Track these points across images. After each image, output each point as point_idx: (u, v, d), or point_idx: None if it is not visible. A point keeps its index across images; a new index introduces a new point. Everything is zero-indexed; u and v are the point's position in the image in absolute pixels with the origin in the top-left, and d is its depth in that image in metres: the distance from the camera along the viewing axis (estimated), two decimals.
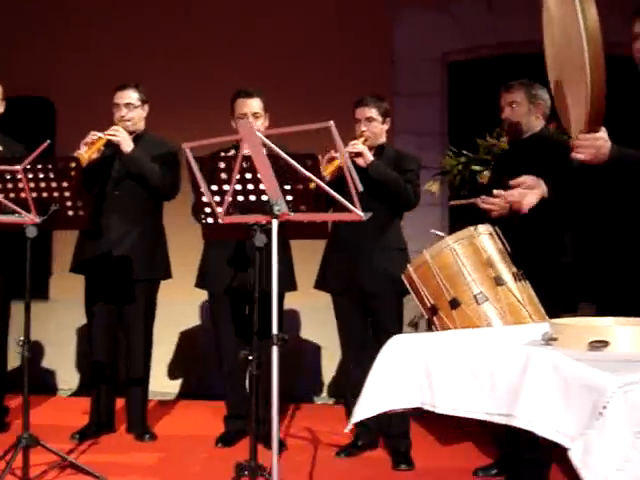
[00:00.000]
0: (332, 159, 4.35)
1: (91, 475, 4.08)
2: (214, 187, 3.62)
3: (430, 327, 5.67)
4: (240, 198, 3.53)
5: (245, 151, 4.41)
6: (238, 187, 3.55)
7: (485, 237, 3.84)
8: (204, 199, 3.70)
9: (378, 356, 2.40)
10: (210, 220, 3.76)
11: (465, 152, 5.43)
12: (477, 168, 5.28)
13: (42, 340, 6.52)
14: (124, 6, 6.77)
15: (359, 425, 4.72)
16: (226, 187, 3.56)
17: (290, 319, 6.06)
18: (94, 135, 4.61)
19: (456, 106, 6.80)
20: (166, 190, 4.88)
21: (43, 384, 6.45)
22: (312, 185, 3.46)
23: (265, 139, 2.82)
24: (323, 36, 6.64)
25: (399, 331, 4.63)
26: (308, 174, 2.90)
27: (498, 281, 3.70)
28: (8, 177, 4.00)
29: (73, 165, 4.02)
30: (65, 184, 4.02)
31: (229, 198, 3.26)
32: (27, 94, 6.64)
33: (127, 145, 4.74)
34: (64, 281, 6.41)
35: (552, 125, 4.49)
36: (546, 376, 1.91)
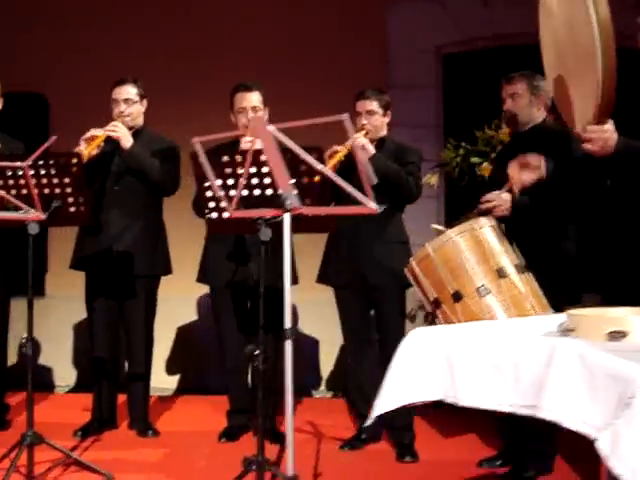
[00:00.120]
0: (334, 153, 4.34)
1: (97, 472, 4.07)
2: (218, 182, 3.63)
3: (427, 319, 5.73)
4: (244, 192, 3.54)
5: (249, 145, 4.45)
6: (243, 182, 3.55)
7: (488, 229, 3.85)
8: (208, 194, 3.70)
9: (398, 349, 2.40)
10: (214, 215, 3.75)
11: (464, 144, 5.43)
12: (476, 160, 5.29)
13: (39, 337, 6.46)
14: (122, 5, 6.74)
15: (362, 418, 4.74)
16: (230, 181, 3.57)
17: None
18: (94, 131, 4.58)
19: (451, 98, 6.80)
20: (166, 185, 4.87)
21: (40, 381, 6.41)
22: (316, 178, 3.46)
23: (277, 133, 2.80)
24: (317, 30, 6.62)
25: (402, 324, 4.65)
26: (321, 167, 2.89)
27: (501, 273, 3.71)
28: (9, 174, 3.98)
29: (74, 161, 4.01)
30: (66, 180, 4.00)
31: (240, 192, 3.24)
32: (22, 90, 6.60)
33: (127, 141, 4.72)
34: (60, 278, 6.40)
35: (550, 117, 4.49)
36: (572, 367, 1.91)
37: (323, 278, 4.73)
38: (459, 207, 6.22)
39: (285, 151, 3.17)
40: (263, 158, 3.42)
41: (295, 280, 4.86)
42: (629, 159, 3.10)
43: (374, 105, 4.60)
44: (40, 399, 5.83)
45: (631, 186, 3.35)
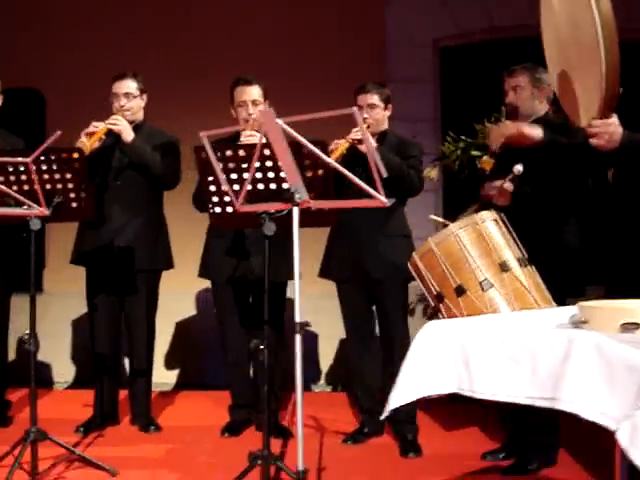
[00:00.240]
0: (336, 147, 4.34)
1: (101, 468, 4.06)
2: (222, 176, 3.62)
3: (426, 313, 5.73)
4: (248, 187, 3.53)
5: (250, 139, 4.45)
6: (246, 176, 3.54)
7: (490, 223, 3.85)
8: (212, 188, 3.69)
9: (413, 342, 2.40)
10: (218, 209, 3.75)
11: (464, 137, 5.43)
12: (476, 153, 5.28)
13: (37, 333, 6.45)
14: (118, 3, 6.71)
15: (365, 412, 4.75)
16: (234, 176, 3.56)
17: (286, 307, 6.05)
18: (95, 125, 4.57)
19: (449, 92, 6.80)
20: (167, 179, 4.86)
21: (39, 377, 6.32)
22: (319, 172, 3.46)
23: (286, 126, 2.79)
24: (315, 25, 6.61)
25: (403, 318, 4.64)
26: (330, 161, 2.89)
27: (504, 267, 3.71)
28: (10, 169, 3.96)
29: (76, 156, 3.99)
30: (68, 175, 3.99)
31: (247, 187, 3.23)
32: (18, 86, 6.57)
33: (128, 134, 4.70)
34: (58, 274, 6.39)
35: (551, 109, 4.49)
36: (590, 359, 1.91)
37: (325, 272, 4.72)
38: (458, 200, 6.23)
39: (289, 145, 3.17)
40: (267, 152, 3.42)
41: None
42: (634, 152, 3.11)
43: (375, 99, 4.59)
44: (40, 395, 5.78)
45: (636, 179, 3.37)
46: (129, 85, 4.82)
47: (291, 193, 3.07)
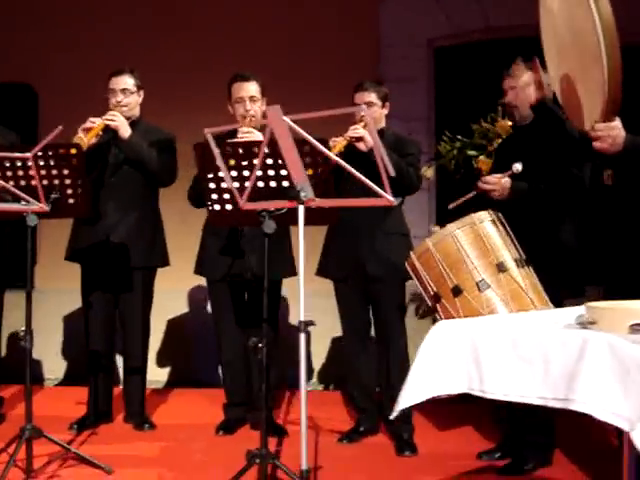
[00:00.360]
0: (333, 146, 4.33)
1: (96, 466, 4.03)
2: (221, 174, 3.60)
3: (417, 312, 5.73)
4: (248, 184, 3.51)
5: (247, 136, 4.43)
6: (246, 173, 3.53)
7: (488, 223, 3.85)
8: (211, 185, 3.67)
9: (423, 342, 2.39)
10: (217, 207, 3.73)
11: (460, 137, 5.43)
12: (472, 153, 5.29)
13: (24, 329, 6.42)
14: (112, 1, 6.68)
15: (361, 411, 4.74)
16: (233, 173, 3.54)
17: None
18: (92, 121, 4.54)
19: (443, 92, 6.80)
20: (163, 176, 4.83)
21: (30, 374, 6.36)
22: (320, 170, 3.44)
23: (292, 124, 2.78)
24: (310, 24, 6.60)
25: (401, 317, 4.64)
26: (338, 160, 2.87)
27: (501, 268, 3.72)
28: (7, 164, 3.93)
29: (74, 152, 3.96)
30: (66, 171, 3.95)
31: (252, 185, 3.22)
32: (11, 81, 6.56)
33: (125, 130, 4.67)
34: (50, 270, 6.36)
35: None
36: (604, 359, 1.91)
37: (322, 271, 4.71)
38: (451, 200, 6.23)
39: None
40: (266, 150, 3.40)
41: (294, 272, 4.84)
42: (637, 156, 3.12)
43: (372, 97, 4.58)
44: (33, 392, 5.79)
45: (638, 182, 3.37)
46: (126, 81, 4.79)
47: (297, 191, 3.05)
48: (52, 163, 3.92)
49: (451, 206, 4.22)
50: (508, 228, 3.87)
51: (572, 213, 4.22)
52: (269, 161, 3.46)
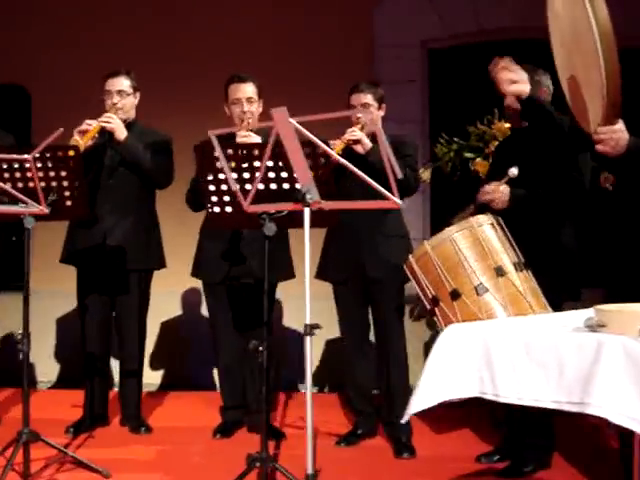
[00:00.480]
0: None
1: (94, 470, 4.01)
2: (221, 176, 3.60)
3: (412, 315, 5.73)
4: (247, 186, 3.50)
5: (245, 139, 4.42)
6: (246, 175, 3.52)
7: (487, 227, 3.84)
8: (211, 188, 3.66)
9: (434, 345, 2.37)
10: (217, 209, 3.72)
11: (456, 139, 5.43)
12: (469, 155, 5.29)
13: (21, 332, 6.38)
14: (108, 2, 6.66)
15: (359, 413, 4.73)
16: (234, 175, 3.53)
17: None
18: (88, 123, 4.51)
19: (437, 94, 6.80)
20: (160, 178, 4.81)
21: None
22: (320, 172, 3.43)
23: (299, 126, 2.76)
24: (304, 26, 6.59)
25: (399, 320, 4.63)
26: (342, 160, 2.86)
27: (499, 272, 3.70)
28: (5, 166, 3.90)
29: (72, 154, 3.94)
30: (64, 173, 3.94)
31: (256, 187, 3.21)
32: (4, 82, 6.52)
33: (121, 132, 4.65)
34: (43, 273, 6.30)
35: None
36: (619, 363, 1.90)
37: (322, 274, 4.68)
38: (445, 202, 6.24)
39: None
40: (268, 152, 3.39)
41: (291, 274, 4.83)
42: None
43: (369, 98, 4.57)
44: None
45: None
46: (122, 83, 4.76)
47: (302, 193, 3.03)
48: (50, 165, 3.90)
49: (453, 221, 4.23)
50: (507, 232, 3.86)
51: (572, 216, 4.22)
52: (269, 163, 3.45)
